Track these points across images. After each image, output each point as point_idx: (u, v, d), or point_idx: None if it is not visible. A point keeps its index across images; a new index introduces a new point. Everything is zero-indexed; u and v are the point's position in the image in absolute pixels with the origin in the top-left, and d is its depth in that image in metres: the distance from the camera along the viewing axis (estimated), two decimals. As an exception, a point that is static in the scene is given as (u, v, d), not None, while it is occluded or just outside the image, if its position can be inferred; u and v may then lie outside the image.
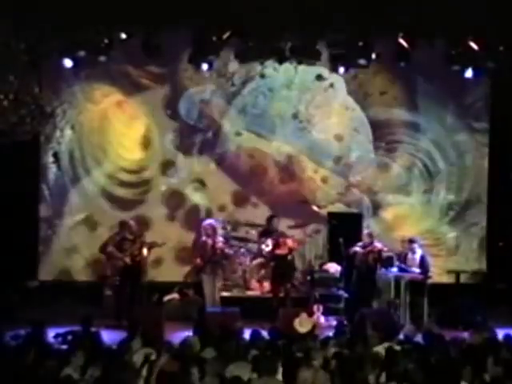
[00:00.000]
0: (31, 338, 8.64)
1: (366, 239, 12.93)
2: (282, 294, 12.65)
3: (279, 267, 12.73)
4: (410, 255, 12.62)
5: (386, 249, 12.80)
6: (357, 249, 12.78)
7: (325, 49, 13.09)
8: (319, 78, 14.60)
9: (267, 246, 13.00)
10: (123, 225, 12.67)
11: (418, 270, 12.47)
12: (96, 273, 13.97)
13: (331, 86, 14.67)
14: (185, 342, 8.40)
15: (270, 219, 13.28)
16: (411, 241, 12.74)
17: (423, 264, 12.54)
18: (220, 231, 12.84)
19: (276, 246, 12.79)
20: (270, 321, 11.26)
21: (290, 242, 12.80)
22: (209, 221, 12.98)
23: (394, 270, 12.53)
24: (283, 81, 14.64)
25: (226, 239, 13.19)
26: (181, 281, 13.83)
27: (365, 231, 13.32)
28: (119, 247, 12.42)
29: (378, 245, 12.80)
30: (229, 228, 13.89)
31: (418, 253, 12.63)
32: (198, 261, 12.49)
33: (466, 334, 10.06)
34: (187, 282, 13.75)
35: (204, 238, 12.51)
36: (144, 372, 7.40)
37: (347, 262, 12.94)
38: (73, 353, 7.69)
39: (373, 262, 12.65)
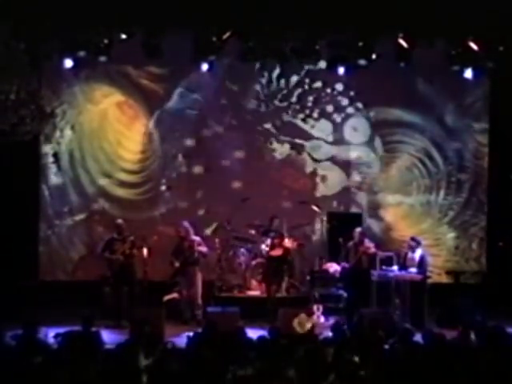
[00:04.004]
0: (24, 338, 8.60)
1: (356, 237, 12.64)
2: (279, 295, 12.69)
3: (271, 268, 12.79)
4: (409, 254, 12.53)
5: (372, 246, 12.61)
6: (350, 244, 12.65)
7: (325, 49, 13.09)
8: (318, 76, 14.63)
9: (267, 246, 12.99)
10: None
11: (415, 270, 12.41)
12: (96, 273, 13.96)
13: (331, 85, 14.69)
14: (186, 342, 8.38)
15: (271, 219, 13.28)
16: (414, 239, 12.63)
17: (422, 264, 12.48)
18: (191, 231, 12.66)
19: (271, 247, 12.81)
20: (270, 321, 11.25)
21: (287, 243, 12.79)
22: (183, 222, 12.92)
23: (395, 269, 12.46)
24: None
25: (202, 238, 13.03)
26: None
27: (357, 229, 12.83)
28: (109, 248, 12.46)
29: (367, 244, 12.64)
30: (229, 228, 13.89)
31: (418, 252, 12.55)
32: (176, 263, 12.46)
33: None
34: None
35: (180, 240, 12.51)
36: (145, 373, 7.37)
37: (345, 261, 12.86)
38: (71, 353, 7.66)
39: (366, 263, 12.56)
